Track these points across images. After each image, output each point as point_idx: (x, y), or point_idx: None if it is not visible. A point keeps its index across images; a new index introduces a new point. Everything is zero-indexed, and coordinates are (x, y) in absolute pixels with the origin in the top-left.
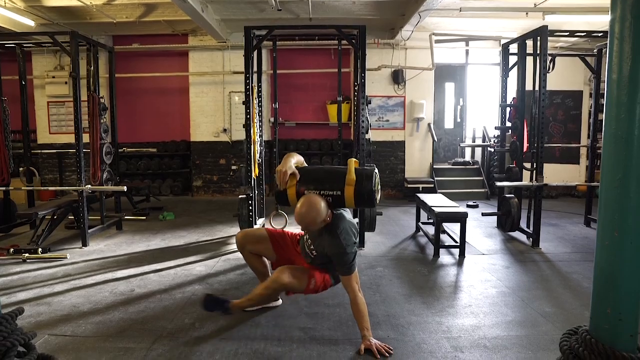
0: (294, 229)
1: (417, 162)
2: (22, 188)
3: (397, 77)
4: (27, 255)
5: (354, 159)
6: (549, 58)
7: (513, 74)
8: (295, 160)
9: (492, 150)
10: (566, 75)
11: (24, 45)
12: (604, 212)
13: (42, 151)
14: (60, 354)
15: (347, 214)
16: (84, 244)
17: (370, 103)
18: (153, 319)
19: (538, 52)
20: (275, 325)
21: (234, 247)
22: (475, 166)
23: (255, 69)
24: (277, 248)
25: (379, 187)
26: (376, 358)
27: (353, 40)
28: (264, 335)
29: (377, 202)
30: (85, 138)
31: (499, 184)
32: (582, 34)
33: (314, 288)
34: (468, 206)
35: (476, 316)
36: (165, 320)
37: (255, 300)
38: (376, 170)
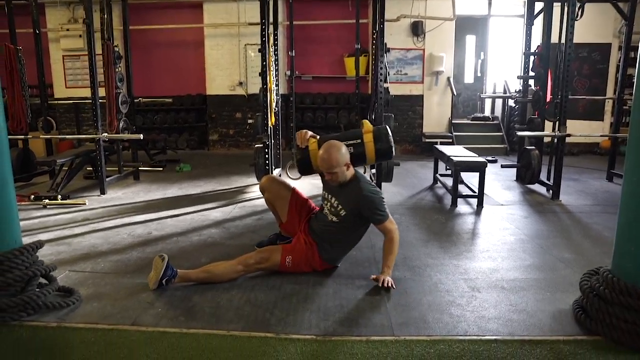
0: (309, 180)
1: (436, 116)
2: (40, 136)
3: (417, 29)
4: (47, 201)
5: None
6: (578, 4)
7: (538, 22)
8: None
9: (514, 104)
10: (594, 27)
11: None
12: (633, 148)
13: (59, 102)
14: (80, 288)
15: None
16: (102, 192)
17: (389, 51)
18: (170, 258)
19: None
20: None
21: (250, 195)
22: (495, 122)
23: (271, 20)
24: (292, 211)
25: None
26: (380, 286)
27: None
28: (280, 273)
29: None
30: (101, 92)
31: (520, 133)
32: None
33: (290, 267)
34: (487, 161)
35: (494, 260)
36: (181, 259)
37: (210, 275)
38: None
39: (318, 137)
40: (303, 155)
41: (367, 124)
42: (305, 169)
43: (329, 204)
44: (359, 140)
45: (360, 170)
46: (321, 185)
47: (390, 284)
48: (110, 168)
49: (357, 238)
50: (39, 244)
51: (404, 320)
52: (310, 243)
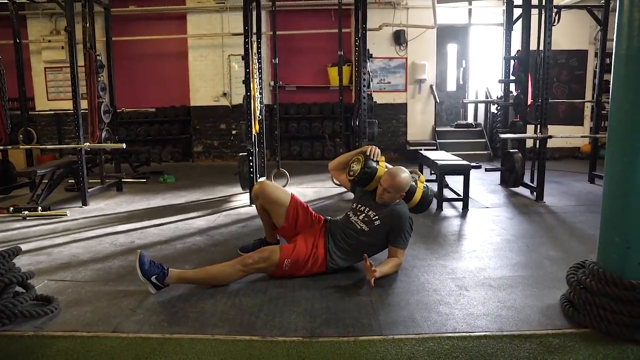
0: (295, 188)
1: (419, 124)
2: (20, 147)
3: (399, 37)
4: (27, 213)
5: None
6: (554, 11)
7: (517, 28)
8: None
9: (496, 108)
10: (571, 34)
11: (17, 1)
12: (613, 136)
13: (41, 113)
14: (59, 296)
15: None
16: (84, 203)
17: (372, 56)
18: None
19: (544, 3)
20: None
21: (235, 203)
22: (478, 128)
23: (254, 30)
24: (291, 215)
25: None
26: (368, 271)
27: None
28: (265, 277)
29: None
30: (84, 104)
31: (503, 135)
32: None
33: (287, 271)
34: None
35: (480, 260)
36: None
37: (209, 276)
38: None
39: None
40: (372, 167)
41: (422, 176)
42: (365, 182)
43: (362, 215)
44: (414, 184)
45: None
46: (307, 192)
47: (371, 277)
48: (93, 180)
49: (370, 253)
50: (16, 250)
51: (392, 320)
52: (317, 247)
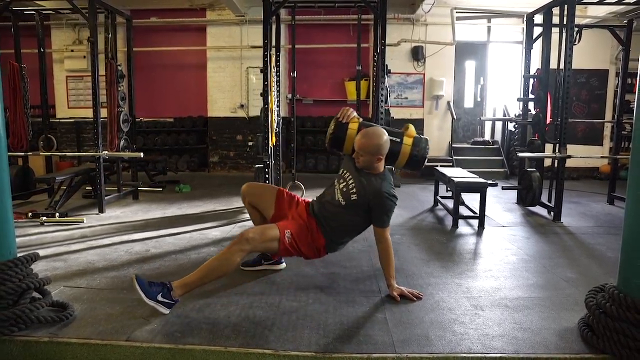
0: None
1: (436, 140)
2: (41, 153)
3: (417, 53)
4: (44, 218)
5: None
6: (576, 30)
7: (537, 46)
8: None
9: (514, 127)
10: (592, 53)
11: (43, 11)
12: (637, 156)
13: (61, 121)
14: (75, 303)
15: None
16: (101, 211)
17: (390, 71)
18: (168, 274)
19: (565, 22)
20: (291, 283)
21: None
22: (495, 146)
23: (273, 43)
24: (279, 203)
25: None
26: (413, 301)
27: (372, 3)
28: (279, 291)
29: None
30: (103, 113)
31: (521, 154)
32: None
33: (291, 243)
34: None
35: (496, 279)
36: (180, 276)
37: (210, 270)
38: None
39: (361, 119)
40: (341, 130)
41: (411, 128)
42: (336, 145)
43: (344, 183)
44: (398, 139)
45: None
46: None
47: (414, 293)
48: (110, 188)
49: (354, 229)
50: (34, 256)
51: (406, 338)
52: (308, 218)
